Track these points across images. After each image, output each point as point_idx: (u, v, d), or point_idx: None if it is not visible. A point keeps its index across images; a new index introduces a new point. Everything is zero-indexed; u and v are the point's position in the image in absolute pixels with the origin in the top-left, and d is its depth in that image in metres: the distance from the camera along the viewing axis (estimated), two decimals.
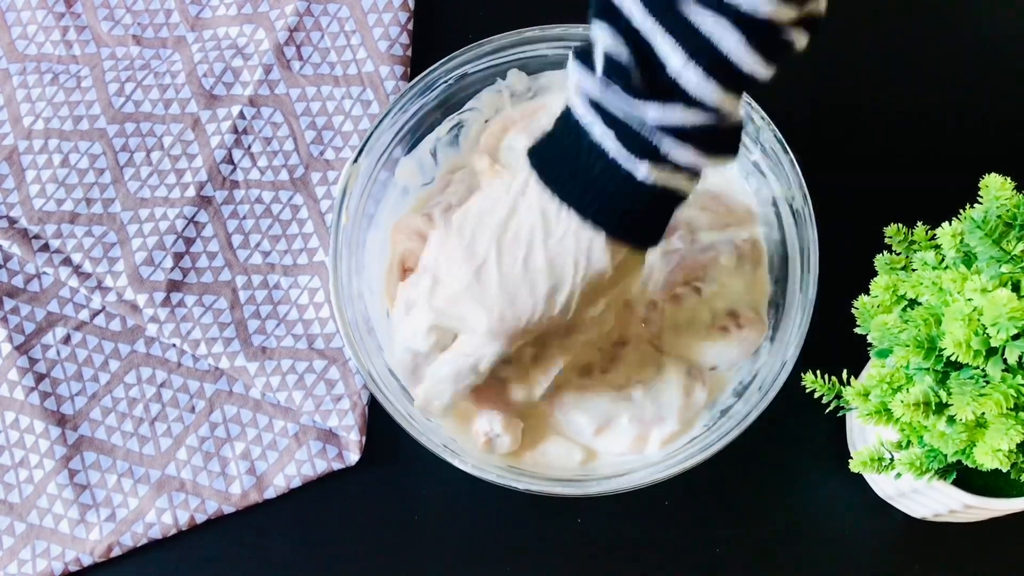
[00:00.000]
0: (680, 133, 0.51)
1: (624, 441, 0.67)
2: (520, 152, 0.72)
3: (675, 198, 0.54)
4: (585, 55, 0.53)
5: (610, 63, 0.51)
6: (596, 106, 0.52)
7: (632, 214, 0.54)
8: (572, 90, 0.54)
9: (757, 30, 0.49)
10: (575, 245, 0.55)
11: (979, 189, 0.54)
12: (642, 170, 0.52)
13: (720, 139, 0.53)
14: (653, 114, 0.51)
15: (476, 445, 0.66)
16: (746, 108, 0.69)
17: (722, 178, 0.72)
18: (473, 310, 0.57)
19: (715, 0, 0.48)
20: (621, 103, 0.51)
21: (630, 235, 0.55)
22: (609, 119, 0.52)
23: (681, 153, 0.52)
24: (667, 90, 0.50)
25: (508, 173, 0.59)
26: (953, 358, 0.51)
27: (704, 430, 0.66)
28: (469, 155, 0.74)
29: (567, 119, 0.54)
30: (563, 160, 0.54)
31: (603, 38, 0.51)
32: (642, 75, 0.50)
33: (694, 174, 0.54)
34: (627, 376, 0.67)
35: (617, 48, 0.50)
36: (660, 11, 0.49)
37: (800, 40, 0.51)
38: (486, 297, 0.57)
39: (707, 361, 0.68)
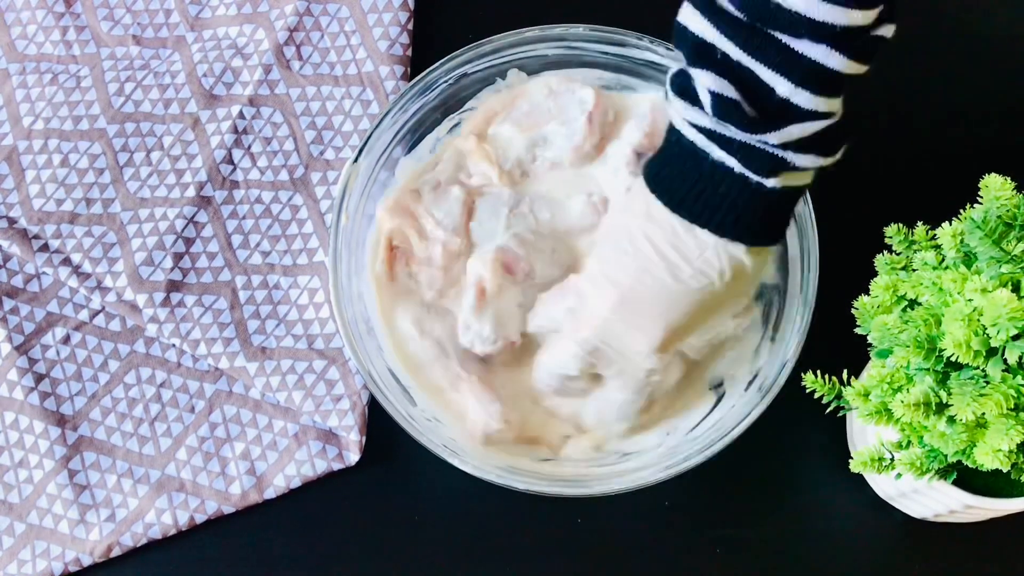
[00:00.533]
0: (800, 145, 0.54)
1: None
2: (505, 141, 0.72)
3: (800, 192, 0.57)
4: (684, 90, 0.54)
5: (719, 101, 0.53)
6: (711, 134, 0.54)
7: (764, 220, 0.57)
8: (678, 118, 0.56)
9: (855, 43, 0.52)
10: (716, 259, 0.57)
11: (979, 189, 0.54)
12: (770, 182, 0.54)
13: (834, 136, 0.55)
14: (773, 139, 0.53)
15: (475, 442, 0.67)
16: None
17: None
18: (627, 333, 0.60)
19: (807, 25, 0.50)
20: (738, 134, 0.53)
21: (765, 238, 0.58)
22: (728, 145, 0.54)
23: (804, 159, 0.54)
24: (781, 114, 0.53)
25: (607, 186, 0.63)
26: (953, 358, 0.51)
27: (729, 409, 0.66)
28: (450, 142, 0.74)
29: (679, 143, 0.56)
30: (685, 183, 0.56)
31: (705, 78, 0.53)
32: (752, 105, 0.53)
33: (811, 171, 0.56)
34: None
35: (722, 87, 0.53)
36: (756, 46, 0.52)
37: (888, 32, 0.53)
38: (639, 319, 0.60)
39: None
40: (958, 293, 0.52)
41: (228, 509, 0.71)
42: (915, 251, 0.58)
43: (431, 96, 0.72)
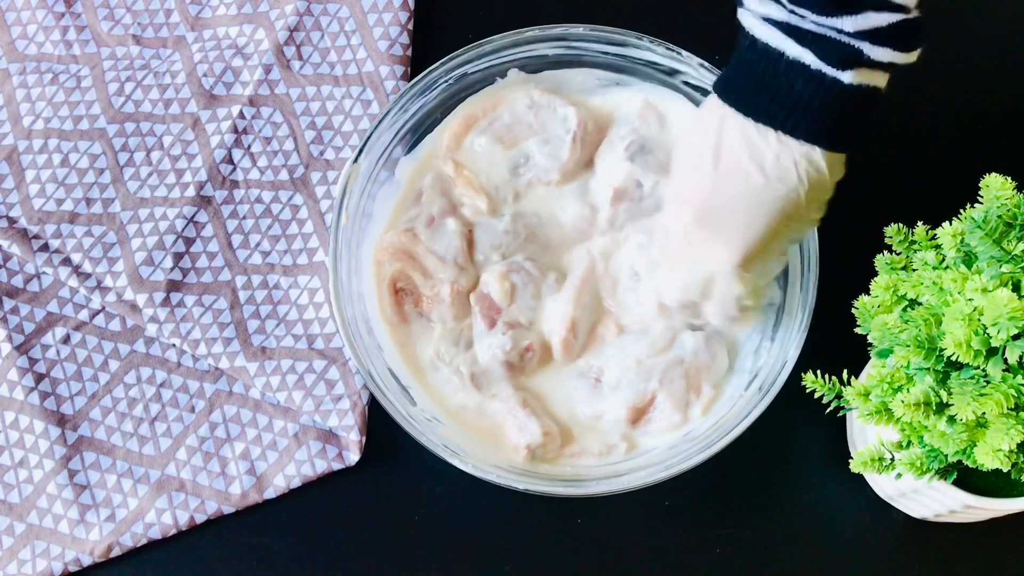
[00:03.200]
0: (876, 35, 0.53)
1: (667, 422, 0.68)
2: (486, 160, 0.72)
3: (875, 95, 0.56)
4: None
5: None
6: (786, 28, 0.54)
7: (839, 121, 0.56)
8: (750, 19, 0.55)
9: None
10: (793, 164, 0.56)
11: (979, 189, 0.54)
12: (847, 76, 0.54)
13: (910, 33, 0.54)
14: (849, 25, 0.52)
15: (519, 459, 0.67)
16: None
17: None
18: (710, 250, 0.60)
19: None
20: (814, 21, 0.53)
21: (840, 141, 0.57)
22: (804, 38, 0.53)
23: (880, 53, 0.54)
24: (855, 0, 0.52)
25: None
26: (953, 358, 0.51)
27: (729, 409, 0.66)
28: (432, 159, 0.73)
29: (753, 47, 0.55)
30: (759, 87, 0.56)
31: None
32: None
33: (888, 69, 0.56)
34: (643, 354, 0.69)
35: None
36: None
37: None
38: (718, 232, 0.59)
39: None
40: (958, 293, 0.52)
41: (228, 509, 0.71)
42: (915, 251, 0.58)
43: (431, 96, 0.72)
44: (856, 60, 0.53)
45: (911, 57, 0.55)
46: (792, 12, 0.53)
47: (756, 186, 0.57)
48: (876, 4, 0.52)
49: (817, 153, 0.56)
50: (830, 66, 0.53)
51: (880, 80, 0.55)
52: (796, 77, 0.54)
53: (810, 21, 0.53)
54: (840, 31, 0.53)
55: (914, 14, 0.54)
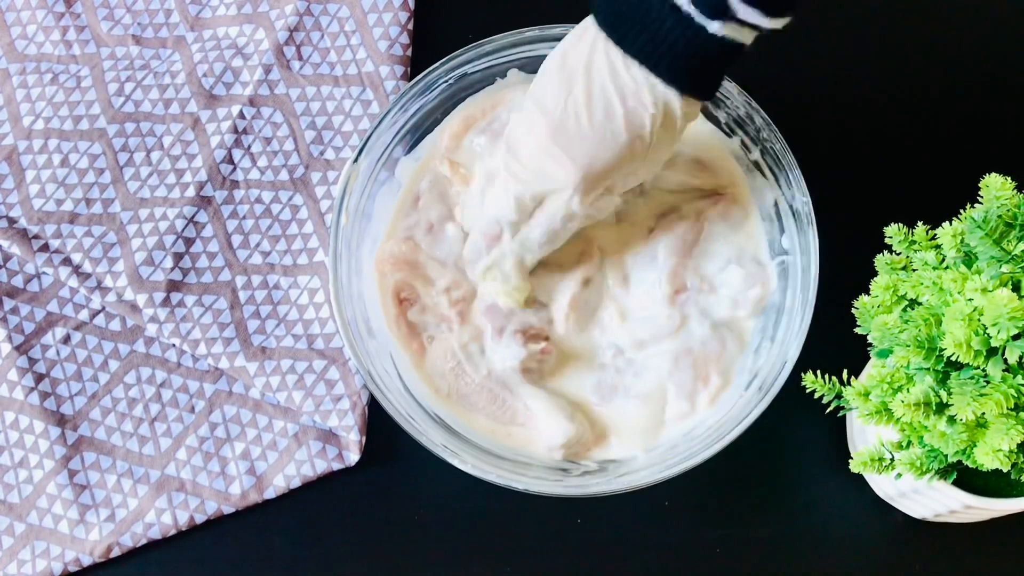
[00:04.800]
0: None
1: (675, 411, 0.68)
2: (480, 152, 0.72)
3: (737, 50, 0.58)
4: None
5: None
6: None
7: (700, 66, 0.58)
8: None
9: None
10: (652, 101, 0.59)
11: (979, 189, 0.54)
12: (713, 26, 0.56)
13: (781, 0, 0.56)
14: None
15: (558, 458, 0.67)
16: (746, 108, 0.69)
17: (706, 146, 0.72)
18: (557, 164, 0.61)
19: None
20: None
21: (698, 88, 0.59)
22: None
23: (747, 12, 0.55)
24: None
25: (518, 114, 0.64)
26: (953, 358, 0.51)
27: (729, 409, 0.66)
28: (430, 160, 0.73)
29: None
30: (632, 19, 0.57)
31: None
32: None
33: (754, 28, 0.57)
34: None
35: None
36: None
37: None
38: (570, 149, 0.61)
39: (725, 311, 0.70)
40: (958, 293, 0.52)
41: (228, 509, 0.71)
42: (915, 251, 0.58)
43: (431, 96, 0.72)
44: (724, 12, 0.55)
45: (777, 23, 0.57)
46: None
47: (615, 115, 0.59)
48: None
49: (673, 95, 0.58)
50: (700, 13, 0.55)
51: (746, 37, 0.57)
52: (667, 16, 0.56)
53: None
54: None
55: None
